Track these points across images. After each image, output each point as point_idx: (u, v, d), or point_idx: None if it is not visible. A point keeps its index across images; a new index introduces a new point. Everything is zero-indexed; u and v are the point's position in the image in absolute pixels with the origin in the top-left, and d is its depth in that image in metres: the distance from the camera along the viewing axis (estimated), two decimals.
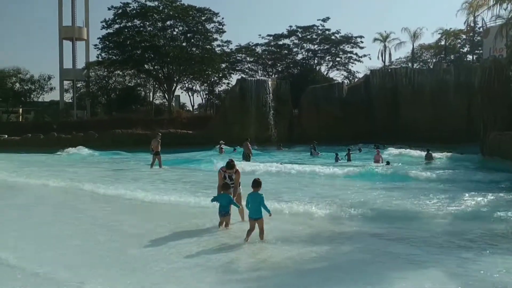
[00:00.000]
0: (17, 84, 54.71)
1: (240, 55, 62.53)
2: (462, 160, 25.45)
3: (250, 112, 41.88)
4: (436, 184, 15.28)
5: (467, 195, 12.25)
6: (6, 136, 40.48)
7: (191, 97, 67.85)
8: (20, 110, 59.47)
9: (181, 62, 53.53)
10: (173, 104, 59.36)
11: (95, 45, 55.88)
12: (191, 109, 68.71)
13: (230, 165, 9.70)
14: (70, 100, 62.93)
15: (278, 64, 63.18)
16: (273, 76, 57.86)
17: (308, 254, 7.53)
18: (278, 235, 8.59)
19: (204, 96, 67.51)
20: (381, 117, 42.59)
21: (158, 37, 54.01)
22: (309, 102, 44.39)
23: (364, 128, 42.13)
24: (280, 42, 61.31)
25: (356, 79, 59.85)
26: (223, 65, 59.29)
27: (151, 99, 62.97)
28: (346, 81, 54.57)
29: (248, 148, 27.71)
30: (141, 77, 59.33)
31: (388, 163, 23.48)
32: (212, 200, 9.46)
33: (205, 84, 64.20)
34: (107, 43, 54.06)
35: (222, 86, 64.72)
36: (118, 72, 57.71)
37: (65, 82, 61.74)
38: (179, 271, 6.75)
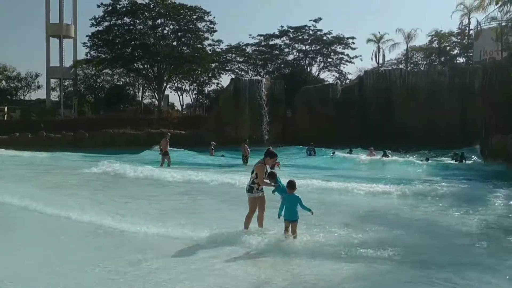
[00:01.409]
0: (3, 82, 53.44)
1: (230, 55, 61.96)
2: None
3: (244, 112, 41.40)
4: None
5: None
6: None
7: (180, 97, 67.20)
8: (6, 108, 58.05)
9: (171, 61, 52.79)
10: (162, 103, 58.55)
11: (84, 43, 54.95)
12: (180, 109, 68.02)
13: (274, 153, 9.05)
14: (57, 99, 61.78)
15: (269, 65, 62.78)
16: (263, 76, 57.41)
17: (341, 271, 6.89)
18: (302, 248, 7.97)
19: (193, 96, 66.90)
20: (375, 118, 42.35)
21: (148, 35, 53.23)
22: (302, 103, 44.02)
23: (357, 129, 41.88)
24: (271, 42, 60.92)
25: (347, 80, 59.80)
26: (213, 65, 58.70)
27: (140, 99, 62.08)
28: (337, 82, 54.29)
29: (246, 150, 27.10)
30: (130, 76, 58.44)
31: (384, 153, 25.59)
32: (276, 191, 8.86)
33: (194, 84, 63.68)
34: (96, 41, 53.08)
35: (211, 86, 64.39)
36: (107, 70, 56.76)
37: (52, 81, 60.56)
38: None
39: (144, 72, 55.33)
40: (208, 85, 64.45)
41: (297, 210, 8.30)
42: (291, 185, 8.46)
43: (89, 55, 54.05)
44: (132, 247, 8.20)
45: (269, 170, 9.06)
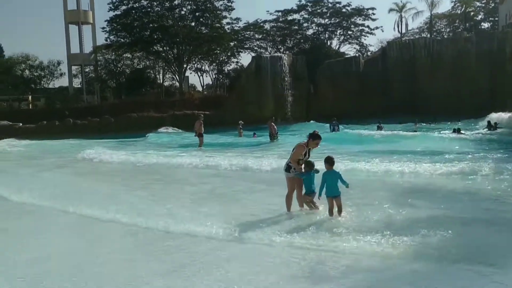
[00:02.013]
0: (27, 71, 53.85)
1: (248, 32, 61.26)
2: None
3: (266, 90, 41.02)
4: None
5: None
6: (21, 124, 39.79)
7: (200, 78, 67.01)
8: (30, 97, 58.65)
9: (190, 42, 52.46)
10: (183, 85, 58.47)
11: (103, 28, 55.04)
12: (200, 89, 67.90)
13: (318, 136, 8.81)
14: (79, 85, 62.14)
15: (288, 40, 61.90)
16: (284, 52, 56.67)
17: (391, 252, 6.59)
18: (348, 227, 7.80)
19: (213, 76, 66.65)
20: (399, 90, 41.67)
21: (166, 17, 52.88)
22: (325, 78, 43.51)
23: (381, 102, 41.31)
24: (290, 18, 59.99)
25: (368, 53, 58.68)
26: (232, 44, 58.18)
27: (160, 81, 62.07)
28: (359, 54, 53.30)
29: (273, 128, 26.72)
30: (150, 59, 58.36)
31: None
32: (302, 175, 8.70)
33: (214, 64, 63.29)
34: (115, 25, 53.03)
35: (231, 65, 64.02)
36: (127, 55, 56.75)
37: (73, 67, 60.83)
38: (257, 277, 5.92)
39: (163, 54, 55.15)
40: (228, 65, 64.17)
41: (338, 185, 8.27)
42: (330, 161, 8.39)
43: (108, 40, 54.17)
44: (175, 235, 8.17)
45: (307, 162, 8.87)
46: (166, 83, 63.14)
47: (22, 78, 53.15)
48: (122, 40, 53.44)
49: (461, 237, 7.03)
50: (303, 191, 8.78)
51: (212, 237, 7.72)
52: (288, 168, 8.85)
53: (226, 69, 64.77)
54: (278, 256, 6.67)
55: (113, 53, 56.33)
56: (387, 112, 38.62)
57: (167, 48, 54.17)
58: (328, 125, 32.12)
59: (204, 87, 68.43)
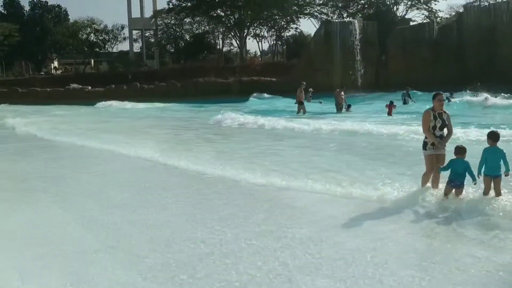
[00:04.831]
0: (92, 35, 54.48)
1: None
2: None
3: (335, 57, 39.64)
4: None
5: None
6: (90, 87, 40.30)
7: (259, 43, 66.06)
8: (92, 61, 59.51)
9: (253, 7, 51.30)
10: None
11: None
12: (258, 55, 66.96)
13: (437, 93, 7.61)
14: (139, 50, 62.53)
15: (351, 5, 59.41)
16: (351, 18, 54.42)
17: None
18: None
19: (272, 42, 65.45)
20: (476, 59, 39.12)
21: None
22: (396, 45, 41.49)
23: (455, 71, 39.10)
24: None
25: (437, 19, 55.43)
26: (293, 9, 56.59)
27: (220, 47, 61.54)
28: (433, 20, 50.34)
29: (341, 97, 25.36)
30: (210, 24, 57.75)
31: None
32: (443, 169, 7.48)
33: (272, 30, 62.04)
34: None
35: (289, 31, 62.63)
36: (187, 19, 56.34)
37: (133, 32, 61.08)
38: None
39: (224, 19, 54.37)
40: (287, 30, 62.81)
41: (500, 165, 7.07)
42: (493, 136, 7.17)
43: (170, 4, 53.81)
44: (287, 205, 7.55)
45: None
46: (224, 49, 62.73)
47: (88, 42, 53.78)
48: (183, 4, 52.95)
49: None
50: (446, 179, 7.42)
51: (331, 214, 6.97)
52: (424, 145, 7.73)
53: (285, 35, 63.64)
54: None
55: (173, 18, 56.16)
56: (461, 81, 36.54)
57: (229, 12, 53.27)
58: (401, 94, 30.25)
59: (261, 53, 67.62)
